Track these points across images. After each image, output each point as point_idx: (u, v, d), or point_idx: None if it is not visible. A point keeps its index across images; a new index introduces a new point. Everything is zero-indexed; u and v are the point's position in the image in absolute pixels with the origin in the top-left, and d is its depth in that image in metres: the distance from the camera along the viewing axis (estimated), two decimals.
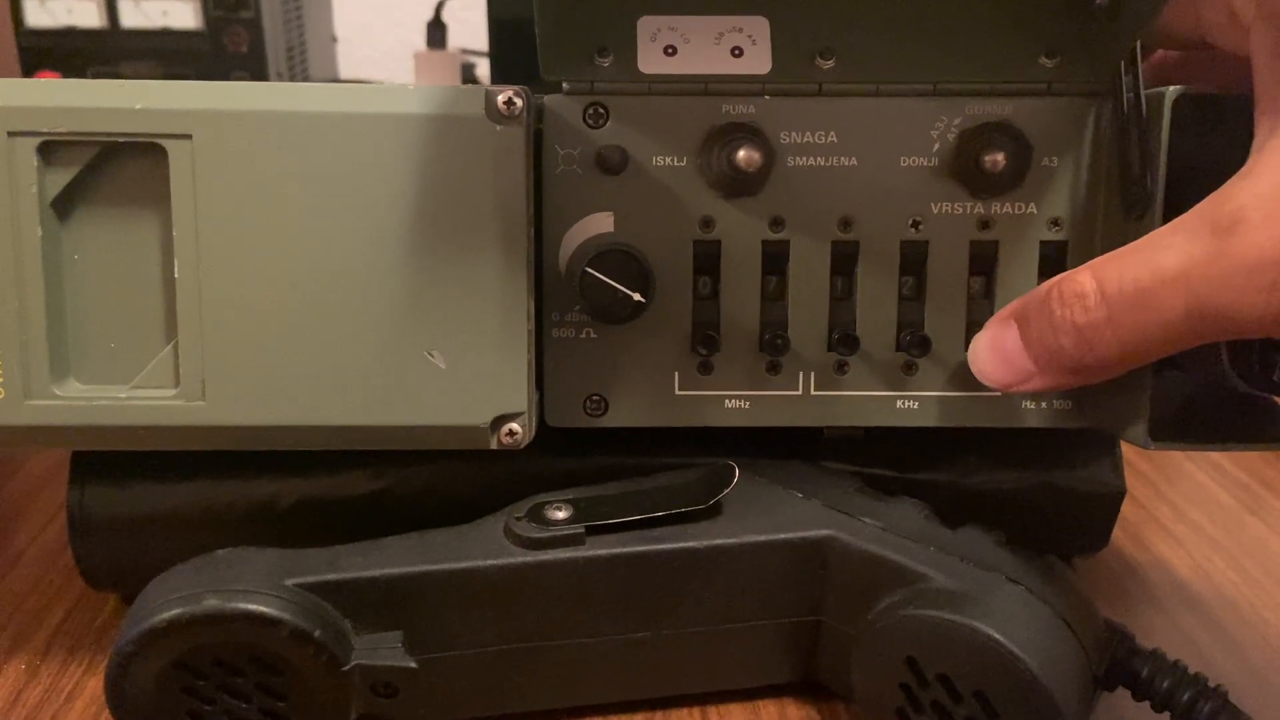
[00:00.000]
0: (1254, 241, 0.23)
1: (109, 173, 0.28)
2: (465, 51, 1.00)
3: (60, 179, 0.28)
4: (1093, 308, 0.25)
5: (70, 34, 0.83)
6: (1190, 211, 0.25)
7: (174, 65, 0.84)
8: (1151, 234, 0.25)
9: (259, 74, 0.84)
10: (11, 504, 0.42)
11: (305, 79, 0.95)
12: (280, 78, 0.87)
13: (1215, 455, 0.48)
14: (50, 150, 0.27)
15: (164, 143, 0.27)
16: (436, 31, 0.97)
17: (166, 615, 0.26)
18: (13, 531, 0.40)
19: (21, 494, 0.43)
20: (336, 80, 1.07)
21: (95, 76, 0.84)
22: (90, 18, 0.83)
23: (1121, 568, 0.40)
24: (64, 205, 0.28)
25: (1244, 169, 0.24)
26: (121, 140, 0.27)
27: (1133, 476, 0.46)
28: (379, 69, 1.14)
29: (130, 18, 0.83)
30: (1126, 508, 0.38)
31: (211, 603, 0.27)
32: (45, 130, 0.27)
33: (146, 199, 0.28)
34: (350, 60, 1.13)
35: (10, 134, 0.27)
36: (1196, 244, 0.24)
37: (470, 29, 0.99)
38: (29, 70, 0.84)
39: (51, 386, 0.28)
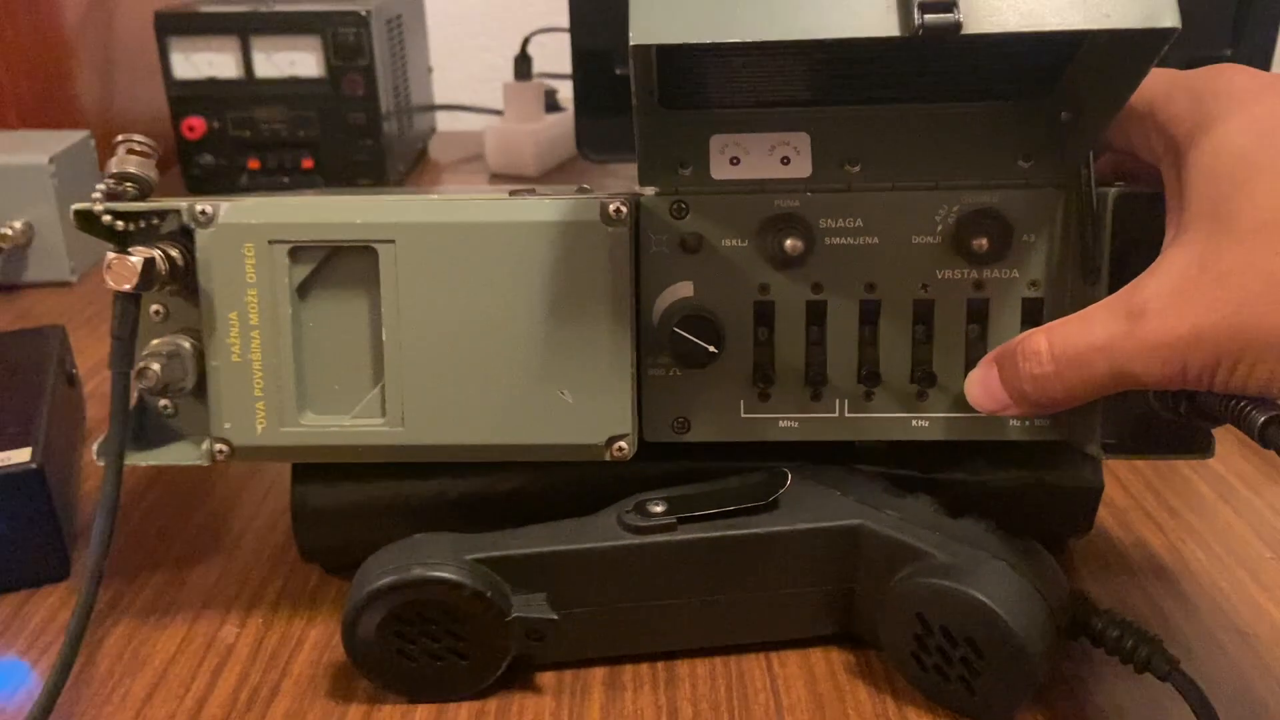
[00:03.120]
0: (1154, 328, 0.31)
1: (336, 266, 0.39)
2: (546, 76, 1.09)
3: (302, 272, 0.39)
4: (1045, 363, 0.34)
5: (212, 84, 0.94)
6: (1115, 294, 0.33)
7: (299, 108, 0.96)
8: (1087, 309, 0.33)
9: (373, 112, 0.95)
10: (224, 500, 0.54)
11: (408, 107, 1.06)
12: (389, 112, 0.98)
13: None
14: (296, 252, 0.39)
15: (375, 246, 0.38)
16: (523, 64, 1.06)
17: (385, 581, 0.37)
18: (231, 520, 0.52)
19: (230, 493, 0.55)
20: (432, 105, 1.18)
21: (233, 120, 0.97)
22: (229, 69, 0.94)
23: (1107, 546, 0.48)
24: (304, 290, 0.39)
25: (1154, 264, 0.32)
26: (345, 245, 0.38)
27: (1128, 470, 0.54)
28: (468, 91, 1.24)
29: (263, 68, 0.94)
30: (1117, 495, 0.45)
31: (417, 572, 0.37)
32: (293, 239, 0.38)
33: (362, 284, 0.39)
34: (442, 84, 1.23)
35: (270, 242, 0.38)
36: (1116, 323, 0.32)
37: (550, 52, 1.06)
38: (177, 116, 0.96)
39: (297, 417, 0.39)
